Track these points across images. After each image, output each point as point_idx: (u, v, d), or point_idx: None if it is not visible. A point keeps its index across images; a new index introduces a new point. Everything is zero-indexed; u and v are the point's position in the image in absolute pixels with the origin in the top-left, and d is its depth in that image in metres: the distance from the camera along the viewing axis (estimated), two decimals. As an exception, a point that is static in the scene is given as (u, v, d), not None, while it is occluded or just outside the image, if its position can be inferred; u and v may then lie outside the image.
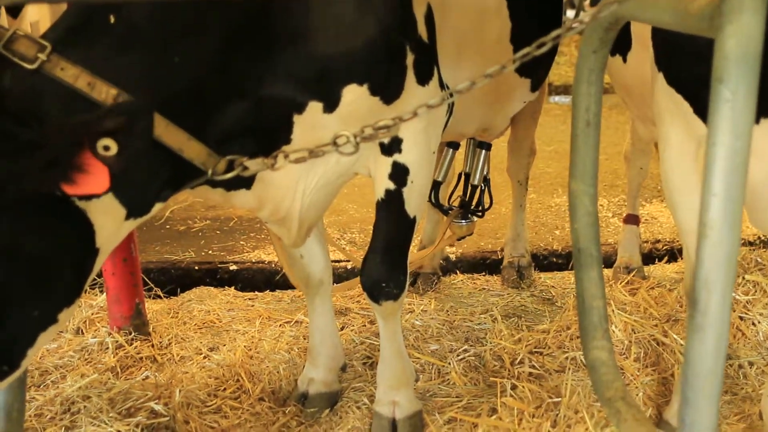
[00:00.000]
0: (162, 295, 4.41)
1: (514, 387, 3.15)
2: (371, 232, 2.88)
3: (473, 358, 3.57)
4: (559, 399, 2.93)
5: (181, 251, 5.03)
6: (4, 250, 1.86)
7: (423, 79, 2.63)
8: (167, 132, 2.08)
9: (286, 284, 4.52)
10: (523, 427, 2.79)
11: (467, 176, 4.13)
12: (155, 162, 2.11)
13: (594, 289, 2.12)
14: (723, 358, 1.43)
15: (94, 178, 1.83)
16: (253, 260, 4.90)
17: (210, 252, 5.07)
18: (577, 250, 2.16)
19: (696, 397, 1.45)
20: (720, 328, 1.39)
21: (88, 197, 1.97)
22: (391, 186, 2.73)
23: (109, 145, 1.81)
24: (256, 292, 4.55)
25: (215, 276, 4.77)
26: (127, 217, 2.16)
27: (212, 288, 4.56)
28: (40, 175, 1.80)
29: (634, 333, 3.55)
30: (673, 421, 2.92)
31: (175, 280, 4.65)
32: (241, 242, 5.23)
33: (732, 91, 1.34)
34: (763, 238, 4.92)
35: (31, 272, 1.91)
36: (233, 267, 4.80)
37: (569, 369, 3.32)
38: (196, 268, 4.80)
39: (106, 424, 2.88)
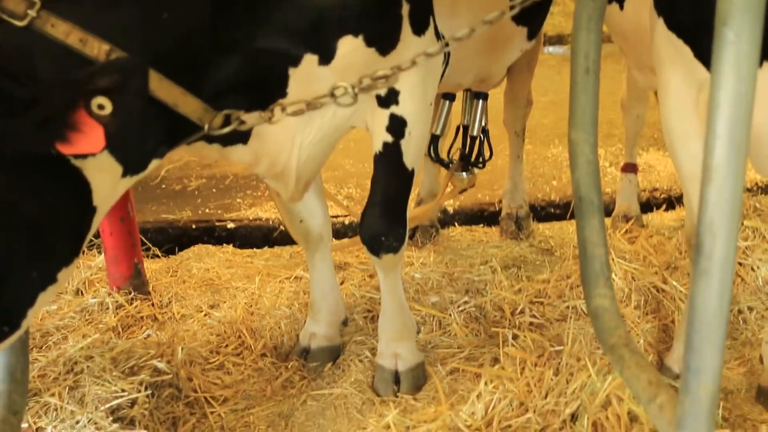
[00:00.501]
0: (160, 254, 4.40)
1: (515, 337, 3.16)
2: (368, 186, 2.87)
3: (474, 309, 3.57)
4: (561, 347, 2.93)
5: (177, 210, 5.01)
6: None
7: (419, 29, 2.60)
8: (161, 87, 2.06)
9: (284, 240, 4.52)
10: (526, 376, 2.80)
11: (465, 128, 4.09)
12: (150, 118, 2.09)
13: (595, 237, 2.12)
14: (728, 303, 1.42)
15: (89, 138, 1.80)
16: (251, 217, 4.89)
17: (207, 210, 5.06)
18: (578, 198, 2.15)
19: (701, 342, 1.45)
20: (725, 272, 1.38)
21: (84, 156, 1.95)
22: (389, 138, 2.71)
23: (103, 104, 1.78)
24: (255, 249, 4.55)
25: (213, 234, 4.77)
26: (124, 175, 2.14)
27: (210, 246, 4.56)
28: (34, 135, 1.78)
29: (634, 281, 3.55)
30: (674, 368, 2.94)
31: (172, 240, 4.65)
32: (238, 200, 5.22)
33: (736, 33, 1.31)
34: (760, 184, 4.92)
35: (28, 232, 1.90)
36: (231, 225, 4.79)
37: (570, 317, 3.34)
38: (194, 226, 4.80)
39: (110, 383, 2.88)
